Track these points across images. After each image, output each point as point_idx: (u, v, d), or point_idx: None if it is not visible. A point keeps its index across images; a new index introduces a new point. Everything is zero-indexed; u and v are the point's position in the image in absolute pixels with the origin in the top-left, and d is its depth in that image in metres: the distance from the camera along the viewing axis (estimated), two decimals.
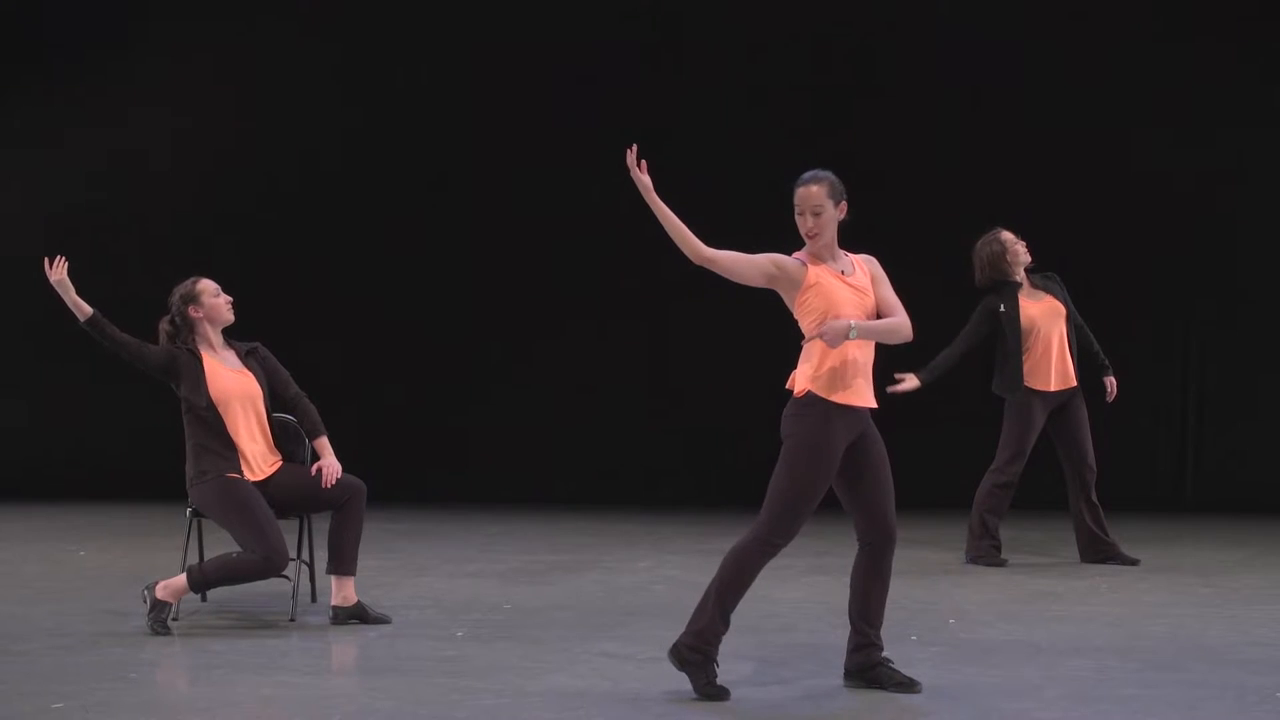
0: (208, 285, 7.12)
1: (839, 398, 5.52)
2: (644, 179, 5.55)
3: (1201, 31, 11.99)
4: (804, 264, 5.60)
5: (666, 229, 5.55)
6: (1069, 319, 8.89)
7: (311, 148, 12.78)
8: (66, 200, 12.93)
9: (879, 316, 5.65)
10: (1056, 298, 8.90)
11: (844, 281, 5.61)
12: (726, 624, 5.60)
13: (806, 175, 5.69)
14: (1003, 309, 8.80)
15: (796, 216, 5.64)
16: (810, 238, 5.62)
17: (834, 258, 5.66)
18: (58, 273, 6.98)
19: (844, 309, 5.54)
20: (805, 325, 5.61)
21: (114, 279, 12.78)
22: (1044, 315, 8.84)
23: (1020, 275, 8.88)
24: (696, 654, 5.56)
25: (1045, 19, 12.09)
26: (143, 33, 12.91)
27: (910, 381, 8.56)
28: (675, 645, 5.60)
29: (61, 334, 12.86)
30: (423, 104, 12.71)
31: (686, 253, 5.55)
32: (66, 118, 12.98)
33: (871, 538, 5.67)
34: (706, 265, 5.57)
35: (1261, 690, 5.66)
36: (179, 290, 7.15)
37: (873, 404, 5.63)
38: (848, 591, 5.75)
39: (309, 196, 12.74)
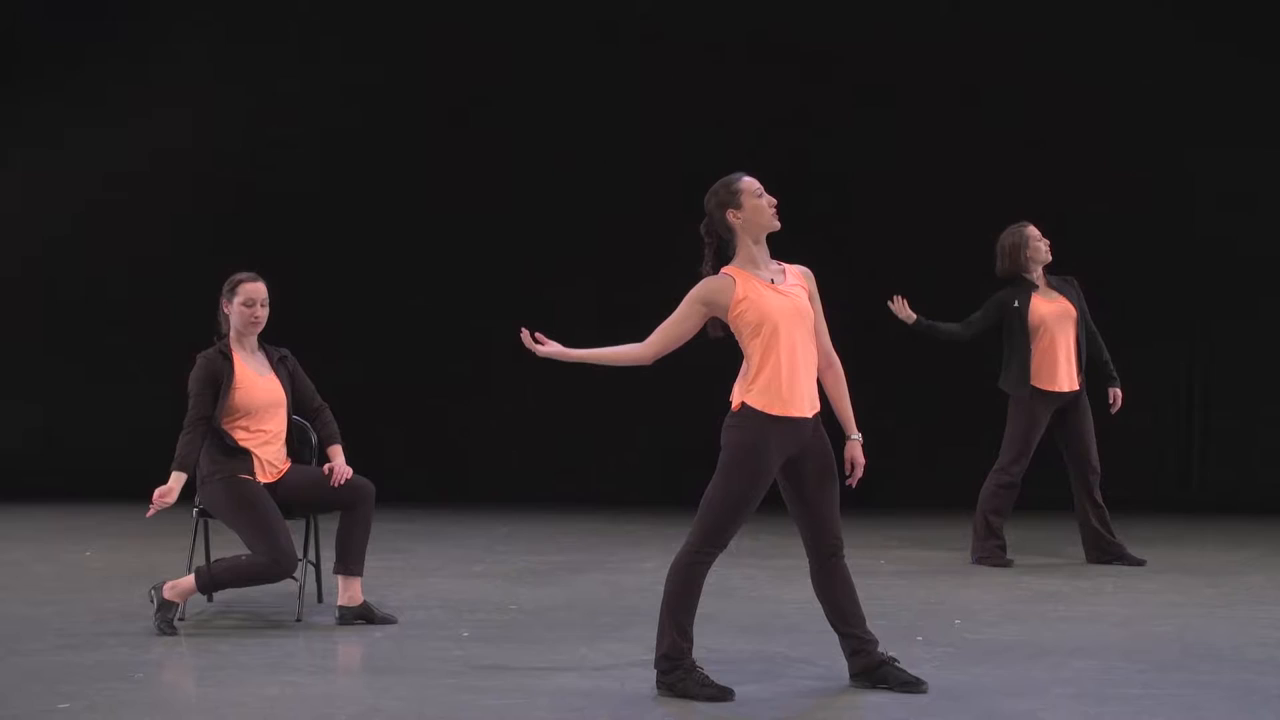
0: (247, 289, 7.02)
1: (776, 410, 5.50)
2: (548, 349, 5.61)
3: (1206, 38, 12.02)
4: (732, 279, 5.57)
5: (604, 364, 5.63)
6: (1079, 323, 8.89)
7: (311, 149, 12.79)
8: (68, 202, 12.96)
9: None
10: (1070, 301, 8.90)
11: (774, 290, 5.57)
12: (688, 639, 5.57)
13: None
14: (1015, 304, 8.81)
15: (760, 199, 5.58)
16: (777, 217, 5.60)
17: (764, 265, 5.64)
18: (162, 501, 6.65)
19: (779, 318, 5.51)
20: (742, 340, 5.57)
21: (114, 279, 12.87)
22: (1055, 316, 8.83)
23: (1037, 273, 8.89)
24: (674, 674, 5.54)
25: (1044, 21, 12.10)
26: (142, 33, 12.93)
27: (907, 313, 8.88)
28: (656, 680, 5.59)
29: (67, 335, 12.99)
30: (421, 104, 12.72)
31: (635, 364, 5.61)
32: (69, 119, 13.01)
33: (817, 548, 5.66)
34: (660, 356, 5.62)
35: (1267, 691, 5.66)
36: (230, 279, 7.05)
37: (809, 414, 5.56)
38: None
39: (312, 197, 12.75)
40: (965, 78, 12.14)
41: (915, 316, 8.87)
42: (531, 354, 5.67)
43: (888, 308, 8.91)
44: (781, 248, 5.75)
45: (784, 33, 12.37)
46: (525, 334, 5.66)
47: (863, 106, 12.33)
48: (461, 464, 12.59)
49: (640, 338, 5.67)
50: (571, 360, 5.60)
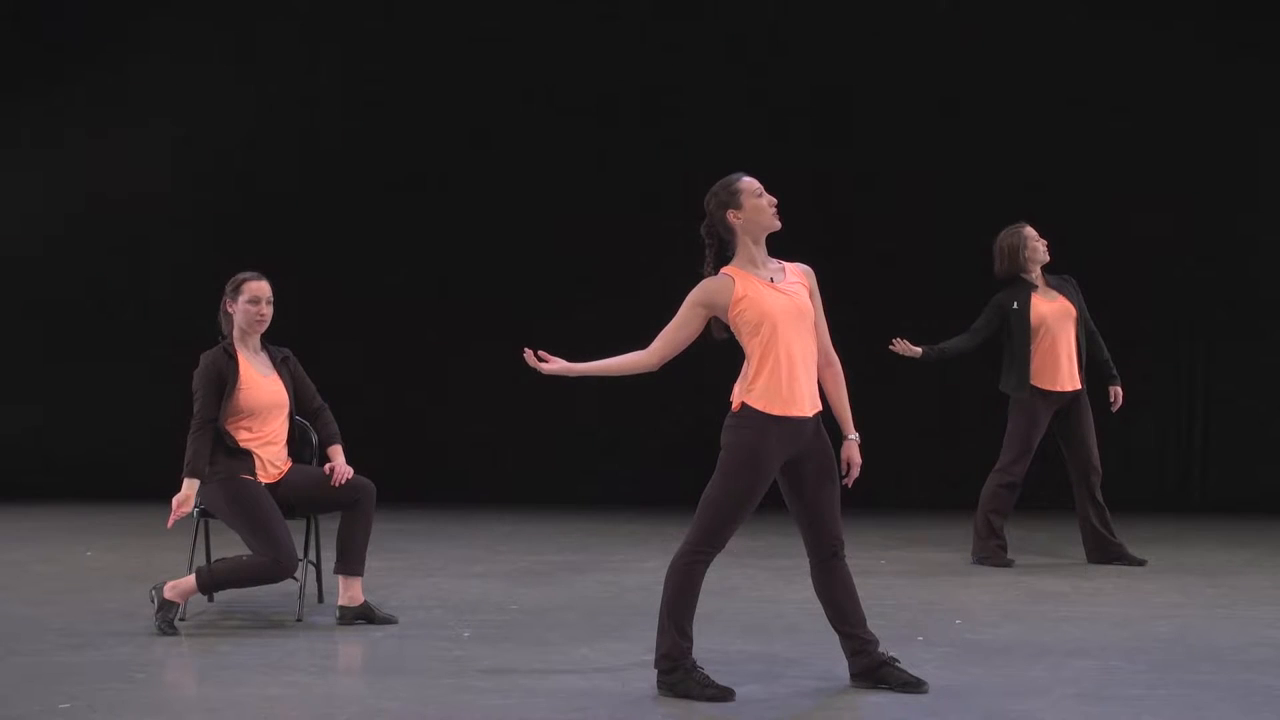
0: (253, 287, 6.99)
1: (776, 410, 5.51)
2: (552, 366, 5.60)
3: (1203, 31, 12.02)
4: (731, 278, 5.58)
5: (611, 374, 5.64)
6: (1079, 322, 8.88)
7: (311, 149, 12.79)
8: (70, 201, 12.96)
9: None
10: (1070, 300, 8.89)
11: (773, 288, 5.58)
12: (688, 638, 5.57)
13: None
14: (1014, 306, 8.80)
15: (760, 199, 5.58)
16: (778, 216, 5.60)
17: (763, 264, 5.64)
18: (181, 511, 6.71)
19: (778, 317, 5.51)
20: (742, 339, 5.58)
21: (114, 279, 12.87)
22: (1054, 315, 8.83)
23: (1036, 274, 8.88)
24: (674, 674, 5.54)
25: (1043, 23, 12.11)
26: (144, 32, 12.92)
27: (912, 350, 8.73)
28: (657, 680, 5.60)
29: (69, 335, 12.98)
30: (421, 105, 12.72)
31: (640, 372, 5.62)
32: (70, 119, 13.00)
33: (817, 549, 5.66)
34: (665, 361, 5.62)
35: (1268, 691, 5.65)
36: (234, 278, 7.05)
37: (810, 414, 5.56)
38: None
39: (314, 198, 12.75)
40: (965, 78, 12.14)
41: (920, 350, 8.79)
42: (536, 370, 5.64)
43: (891, 351, 8.82)
44: (783, 247, 5.75)
45: (780, 35, 12.40)
46: (529, 353, 5.64)
47: (860, 107, 12.33)
48: (461, 464, 12.58)
49: (646, 339, 5.67)
50: (577, 374, 5.59)
